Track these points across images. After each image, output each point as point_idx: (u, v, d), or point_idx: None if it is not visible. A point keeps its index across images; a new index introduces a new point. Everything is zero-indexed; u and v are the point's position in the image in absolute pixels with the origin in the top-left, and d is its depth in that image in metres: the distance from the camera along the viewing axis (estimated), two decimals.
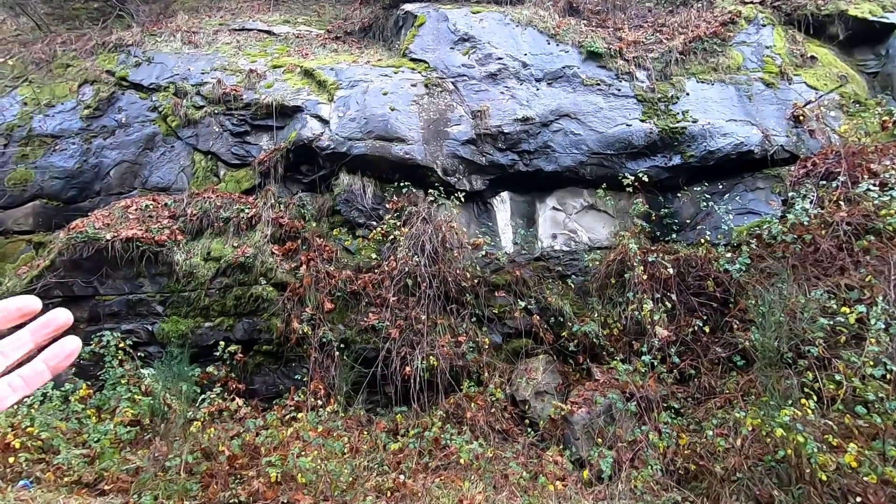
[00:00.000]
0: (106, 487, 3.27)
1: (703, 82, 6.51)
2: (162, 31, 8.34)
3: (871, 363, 3.66)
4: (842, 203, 5.04)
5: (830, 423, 3.56)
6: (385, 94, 6.37)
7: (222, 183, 6.85)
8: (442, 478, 3.95)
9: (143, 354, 5.52)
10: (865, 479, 3.36)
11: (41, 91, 7.64)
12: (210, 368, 5.26)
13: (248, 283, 5.73)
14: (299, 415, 4.29)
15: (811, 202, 5.15)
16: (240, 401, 4.97)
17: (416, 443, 4.05)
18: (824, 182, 5.36)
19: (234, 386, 5.18)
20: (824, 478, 3.26)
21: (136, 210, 6.46)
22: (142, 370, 4.90)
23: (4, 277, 6.37)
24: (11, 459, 3.37)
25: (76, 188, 7.09)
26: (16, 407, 3.96)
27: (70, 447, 3.52)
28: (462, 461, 3.78)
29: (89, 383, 4.75)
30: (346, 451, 3.90)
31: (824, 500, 3.49)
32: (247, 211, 6.21)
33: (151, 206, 6.51)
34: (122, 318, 5.88)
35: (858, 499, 3.43)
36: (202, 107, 7.16)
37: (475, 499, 3.40)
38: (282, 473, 3.40)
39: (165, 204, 6.55)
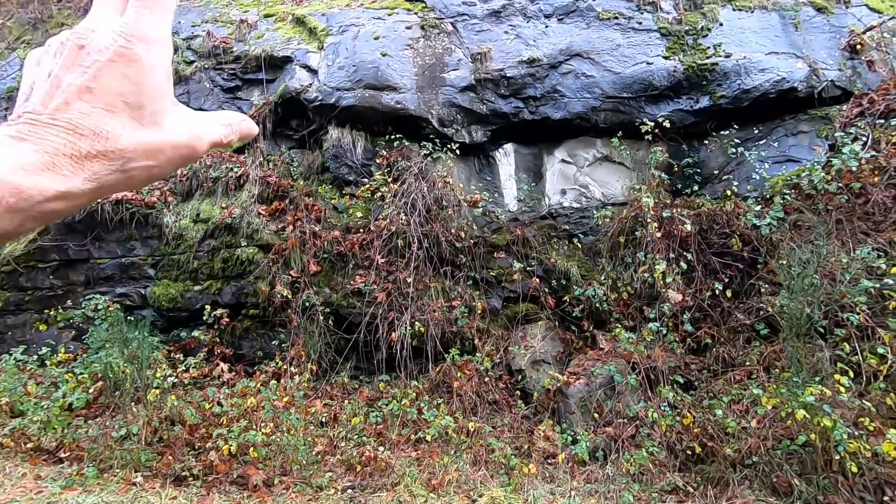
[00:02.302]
0: (63, 455, 3.16)
1: (740, 10, 5.61)
2: None
3: None
4: None
5: (868, 403, 3.00)
6: (376, 38, 5.82)
7: None
8: (420, 451, 3.65)
9: (132, 318, 5.42)
10: None
11: None
12: (196, 333, 5.11)
13: (234, 245, 5.49)
14: (272, 383, 4.06)
15: (864, 145, 4.37)
16: (224, 366, 4.80)
17: (380, 415, 3.75)
18: (882, 121, 4.53)
19: (220, 351, 5.01)
20: (855, 469, 2.73)
21: None
22: (127, 335, 4.77)
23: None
24: None
25: None
26: None
27: (36, 412, 3.42)
28: (429, 437, 3.45)
29: (71, 347, 4.67)
30: (319, 421, 3.65)
31: (855, 492, 2.97)
32: (235, 170, 5.91)
33: None
34: (116, 281, 5.80)
35: None
36: (193, 62, 6.81)
37: (446, 476, 3.08)
38: (239, 446, 3.19)
39: None
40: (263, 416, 3.46)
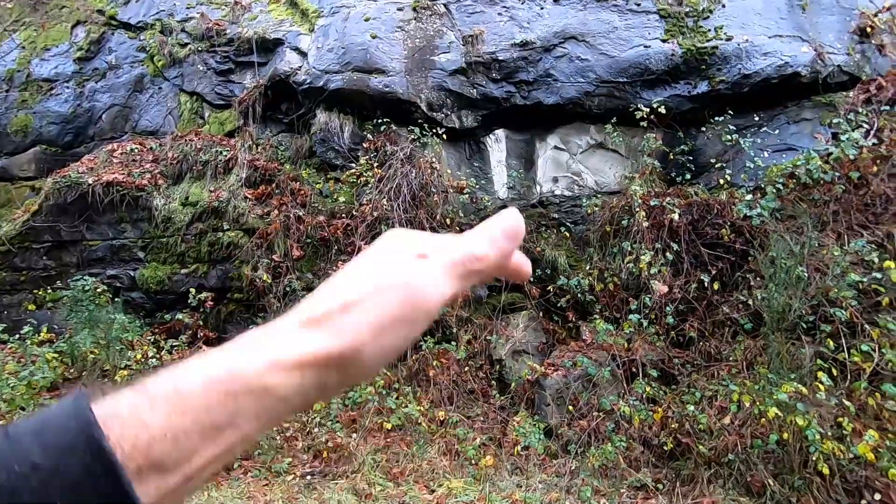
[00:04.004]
0: None
1: None
2: None
3: None
4: None
5: (848, 403, 2.85)
6: (367, 20, 5.70)
7: (207, 125, 6.54)
8: (390, 440, 3.60)
9: (120, 300, 5.46)
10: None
11: (38, 34, 7.52)
12: (181, 316, 5.12)
13: (220, 229, 5.48)
14: None
15: (866, 132, 4.15)
16: (207, 349, 4.79)
17: (350, 401, 3.71)
18: (888, 108, 4.30)
19: (203, 334, 5.02)
20: (826, 470, 2.61)
21: (121, 154, 6.29)
22: (112, 315, 4.81)
23: (4, 222, 6.46)
24: None
25: (72, 133, 7.03)
26: None
27: (3, 389, 3.46)
28: (389, 425, 3.40)
29: (56, 328, 4.72)
30: None
31: (832, 495, 2.85)
32: (225, 153, 5.88)
33: (137, 150, 6.32)
34: (107, 263, 5.84)
35: (878, 496, 2.77)
36: (187, 44, 6.77)
37: (408, 465, 3.03)
38: None
39: (150, 148, 6.34)
40: None
